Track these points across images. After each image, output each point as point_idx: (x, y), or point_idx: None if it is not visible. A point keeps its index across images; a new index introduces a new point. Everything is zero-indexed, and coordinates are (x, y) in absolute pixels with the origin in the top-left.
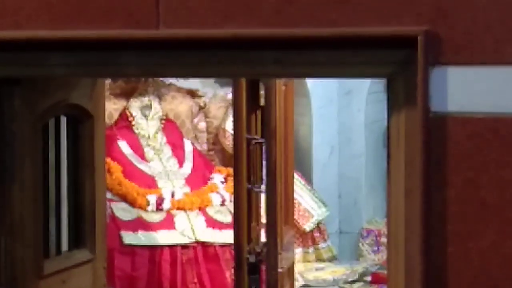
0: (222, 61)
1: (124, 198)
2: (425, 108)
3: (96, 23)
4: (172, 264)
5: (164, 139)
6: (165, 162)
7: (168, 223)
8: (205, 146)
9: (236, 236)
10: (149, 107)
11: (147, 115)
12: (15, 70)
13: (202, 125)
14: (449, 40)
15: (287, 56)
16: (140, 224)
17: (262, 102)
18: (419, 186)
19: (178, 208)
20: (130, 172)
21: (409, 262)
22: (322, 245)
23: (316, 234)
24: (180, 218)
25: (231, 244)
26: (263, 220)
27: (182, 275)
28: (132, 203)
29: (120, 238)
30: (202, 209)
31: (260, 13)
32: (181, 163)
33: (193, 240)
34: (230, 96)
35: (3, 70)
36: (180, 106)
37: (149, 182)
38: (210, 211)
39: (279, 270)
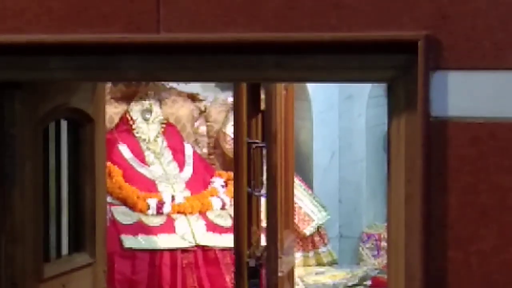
0: (223, 65)
1: (124, 202)
2: (425, 113)
3: (97, 27)
4: (172, 268)
5: (165, 143)
6: (165, 166)
7: (168, 227)
8: (205, 150)
9: (236, 240)
10: (150, 111)
11: (147, 119)
12: (16, 74)
13: (203, 129)
14: (449, 45)
15: (288, 60)
16: (140, 228)
17: (262, 106)
18: (420, 191)
19: (178, 212)
20: (131, 176)
21: (409, 267)
22: (322, 249)
23: (316, 238)
24: (180, 222)
25: (231, 248)
26: (264, 224)
27: (182, 279)
28: (133, 207)
29: (120, 242)
30: (202, 213)
31: (261, 17)
32: (181, 167)
33: (193, 244)
34: (230, 100)
35: (4, 74)
36: (181, 110)
37: (150, 186)
38: (211, 215)
39: (279, 274)
